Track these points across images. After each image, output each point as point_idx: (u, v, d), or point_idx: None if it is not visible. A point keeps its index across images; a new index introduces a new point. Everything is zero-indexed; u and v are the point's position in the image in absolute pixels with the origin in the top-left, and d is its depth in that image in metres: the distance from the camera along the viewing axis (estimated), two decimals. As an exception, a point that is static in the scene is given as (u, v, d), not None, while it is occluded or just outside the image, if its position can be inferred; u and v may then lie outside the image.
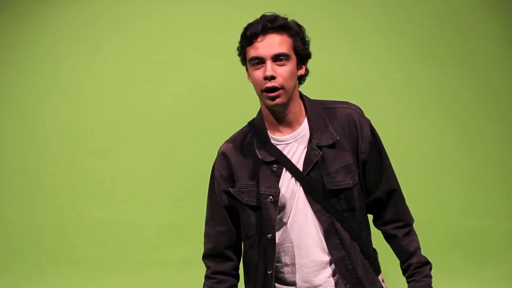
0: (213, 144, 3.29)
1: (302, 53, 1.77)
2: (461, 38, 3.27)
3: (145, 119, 3.24)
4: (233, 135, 1.95)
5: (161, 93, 3.24)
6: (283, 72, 1.70)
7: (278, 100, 1.71)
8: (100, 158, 3.25)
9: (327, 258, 1.79)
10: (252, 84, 1.79)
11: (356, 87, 3.22)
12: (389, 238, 1.95)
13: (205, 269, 1.90)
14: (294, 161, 1.78)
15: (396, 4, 3.25)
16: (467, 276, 3.18)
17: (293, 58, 1.73)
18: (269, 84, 1.69)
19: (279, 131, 1.80)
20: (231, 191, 1.84)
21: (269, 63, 1.69)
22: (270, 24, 1.71)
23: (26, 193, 3.25)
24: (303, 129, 1.80)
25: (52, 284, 3.22)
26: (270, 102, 1.72)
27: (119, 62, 3.25)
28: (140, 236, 3.22)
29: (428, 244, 3.17)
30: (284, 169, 1.78)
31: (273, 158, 1.78)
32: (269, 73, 1.68)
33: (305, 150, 1.78)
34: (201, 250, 3.49)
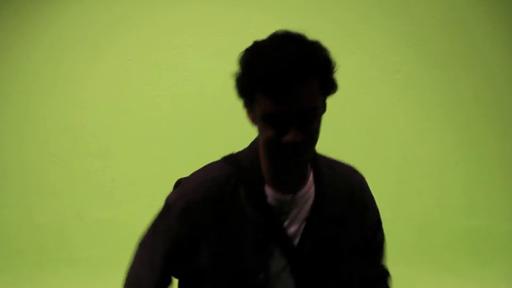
0: (213, 144, 3.30)
1: (330, 94, 1.29)
2: (461, 38, 3.27)
3: (145, 119, 3.24)
4: (204, 177, 1.39)
5: (161, 93, 3.24)
6: (311, 132, 1.21)
7: (297, 164, 1.26)
8: (100, 158, 3.25)
9: None
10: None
11: (356, 87, 3.22)
12: None
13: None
14: (290, 231, 1.32)
15: (396, 4, 3.25)
16: (467, 276, 3.18)
17: (321, 106, 1.25)
18: (291, 147, 1.20)
19: (279, 187, 1.31)
20: (189, 264, 1.35)
21: (294, 126, 1.18)
22: (297, 70, 1.16)
23: (26, 193, 3.25)
24: (307, 190, 1.35)
25: (52, 284, 3.22)
26: (284, 165, 1.26)
27: (119, 62, 3.25)
28: (140, 236, 3.22)
29: (429, 244, 3.18)
30: (276, 241, 1.32)
31: (267, 223, 1.31)
32: (296, 141, 1.19)
33: (305, 222, 1.33)
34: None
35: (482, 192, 3.27)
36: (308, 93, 1.18)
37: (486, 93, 3.28)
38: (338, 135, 3.17)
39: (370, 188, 1.49)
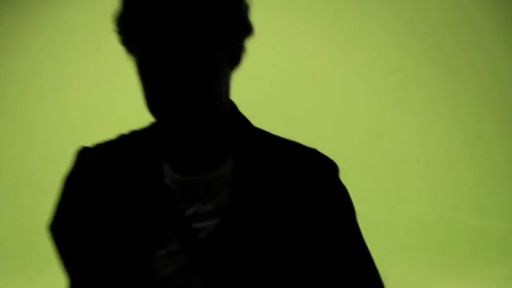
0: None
1: (237, 44, 0.97)
2: (461, 37, 3.27)
3: (146, 119, 3.24)
4: (108, 141, 1.15)
5: (161, 93, 3.24)
6: (204, 90, 0.90)
7: (191, 134, 0.94)
8: (100, 158, 3.25)
9: None
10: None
11: (356, 87, 3.22)
12: None
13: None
14: (198, 224, 0.97)
15: (396, 4, 3.25)
16: (467, 276, 3.18)
17: (222, 56, 0.92)
18: (173, 105, 0.91)
19: (182, 165, 1.00)
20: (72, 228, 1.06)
21: (174, 82, 0.89)
22: (174, 6, 0.87)
23: (26, 193, 3.25)
24: (224, 173, 0.99)
25: (52, 284, 3.22)
26: (175, 134, 0.97)
27: (119, 62, 3.25)
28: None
29: (428, 244, 3.18)
30: (175, 240, 0.96)
31: (161, 213, 0.97)
32: (174, 99, 0.89)
33: (219, 215, 0.97)
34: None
35: (483, 192, 3.27)
36: (194, 38, 0.87)
37: (487, 93, 3.28)
38: (338, 135, 3.17)
39: (349, 188, 1.07)
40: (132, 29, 0.93)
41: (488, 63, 3.28)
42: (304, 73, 3.07)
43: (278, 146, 1.04)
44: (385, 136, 3.23)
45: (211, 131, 0.97)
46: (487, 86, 3.29)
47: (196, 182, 0.98)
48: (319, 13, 3.24)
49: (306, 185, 1.00)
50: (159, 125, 1.00)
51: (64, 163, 3.73)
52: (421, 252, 3.13)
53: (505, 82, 3.29)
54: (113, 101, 3.26)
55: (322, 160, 1.05)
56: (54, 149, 3.26)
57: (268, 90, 3.16)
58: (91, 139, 3.69)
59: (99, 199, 1.01)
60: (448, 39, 3.27)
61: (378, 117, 3.21)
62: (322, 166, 1.04)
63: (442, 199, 3.26)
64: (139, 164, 1.03)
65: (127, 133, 1.12)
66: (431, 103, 3.27)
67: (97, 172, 1.06)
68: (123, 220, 0.99)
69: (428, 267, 3.11)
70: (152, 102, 0.95)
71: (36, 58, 3.27)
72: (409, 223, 3.12)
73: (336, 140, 3.17)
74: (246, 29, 0.97)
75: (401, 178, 3.20)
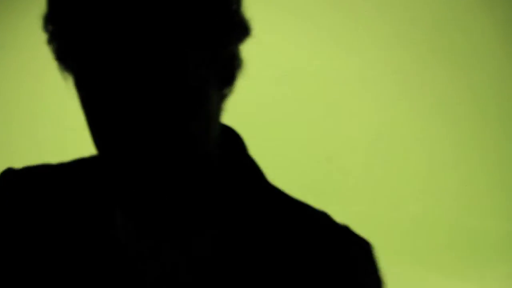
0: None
1: (227, 52, 0.65)
2: (459, 37, 3.27)
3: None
4: (59, 165, 0.78)
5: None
6: (170, 123, 0.59)
7: (142, 181, 0.63)
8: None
9: None
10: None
11: (353, 87, 3.22)
12: None
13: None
14: None
15: (394, 4, 3.25)
16: (466, 276, 3.18)
17: (204, 73, 0.61)
18: (125, 143, 0.62)
19: (141, 224, 0.68)
20: None
21: (129, 103, 0.59)
22: None
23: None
24: (204, 246, 0.66)
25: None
26: (121, 175, 0.67)
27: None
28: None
29: (428, 244, 3.18)
30: None
31: (104, 279, 0.66)
32: (128, 134, 0.61)
33: None
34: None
35: (482, 192, 3.27)
36: (157, 47, 0.56)
37: (485, 93, 3.28)
38: (337, 135, 3.17)
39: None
40: (65, 31, 0.61)
41: (489, 63, 3.29)
42: (304, 73, 3.07)
43: (292, 217, 0.68)
44: (385, 136, 3.23)
45: (180, 181, 0.64)
46: (487, 87, 3.29)
47: (157, 247, 0.66)
48: (319, 13, 3.24)
49: (324, 279, 0.65)
50: (107, 165, 0.69)
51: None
52: (420, 252, 3.13)
53: (505, 83, 3.30)
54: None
55: (352, 244, 0.69)
56: (54, 149, 3.26)
57: (267, 90, 3.16)
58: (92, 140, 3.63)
59: (16, 243, 0.70)
60: (449, 39, 3.28)
61: (378, 117, 3.21)
62: (352, 257, 0.68)
63: (441, 199, 3.26)
64: (80, 203, 0.70)
65: (71, 160, 0.78)
66: (431, 103, 3.27)
67: (19, 204, 0.72)
68: (48, 283, 0.67)
69: (428, 267, 3.11)
70: (97, 135, 0.68)
71: (37, 58, 3.28)
72: (408, 223, 3.12)
73: (336, 140, 3.17)
74: (239, 30, 0.65)
75: (401, 178, 3.21)
